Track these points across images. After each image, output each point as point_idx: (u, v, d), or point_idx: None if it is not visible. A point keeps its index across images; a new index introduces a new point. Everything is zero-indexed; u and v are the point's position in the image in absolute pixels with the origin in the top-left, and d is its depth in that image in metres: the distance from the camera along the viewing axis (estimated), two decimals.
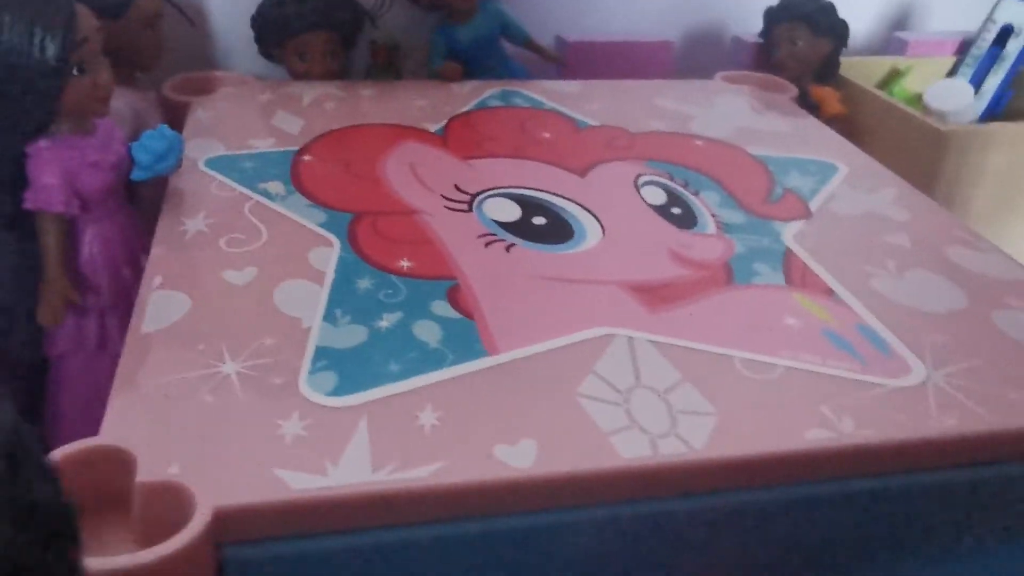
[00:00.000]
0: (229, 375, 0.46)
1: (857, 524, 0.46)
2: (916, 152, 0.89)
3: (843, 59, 1.03)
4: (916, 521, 0.47)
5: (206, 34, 0.92)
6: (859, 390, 0.48)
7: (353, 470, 0.40)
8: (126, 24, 0.72)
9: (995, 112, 1.05)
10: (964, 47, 1.09)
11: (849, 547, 0.46)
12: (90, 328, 0.61)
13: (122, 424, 0.42)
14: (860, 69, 1.06)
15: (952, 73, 1.09)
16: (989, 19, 1.07)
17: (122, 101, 0.72)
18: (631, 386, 0.47)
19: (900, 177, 0.73)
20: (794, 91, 0.92)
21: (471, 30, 0.89)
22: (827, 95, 0.97)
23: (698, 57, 1.09)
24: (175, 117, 0.77)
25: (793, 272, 0.59)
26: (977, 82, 1.06)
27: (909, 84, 1.07)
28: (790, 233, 0.64)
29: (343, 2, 0.84)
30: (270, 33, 0.84)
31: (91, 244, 0.60)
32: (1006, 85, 1.04)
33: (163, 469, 0.40)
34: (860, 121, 0.98)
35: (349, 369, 0.47)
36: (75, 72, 0.54)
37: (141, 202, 0.68)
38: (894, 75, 1.08)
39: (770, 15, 1.00)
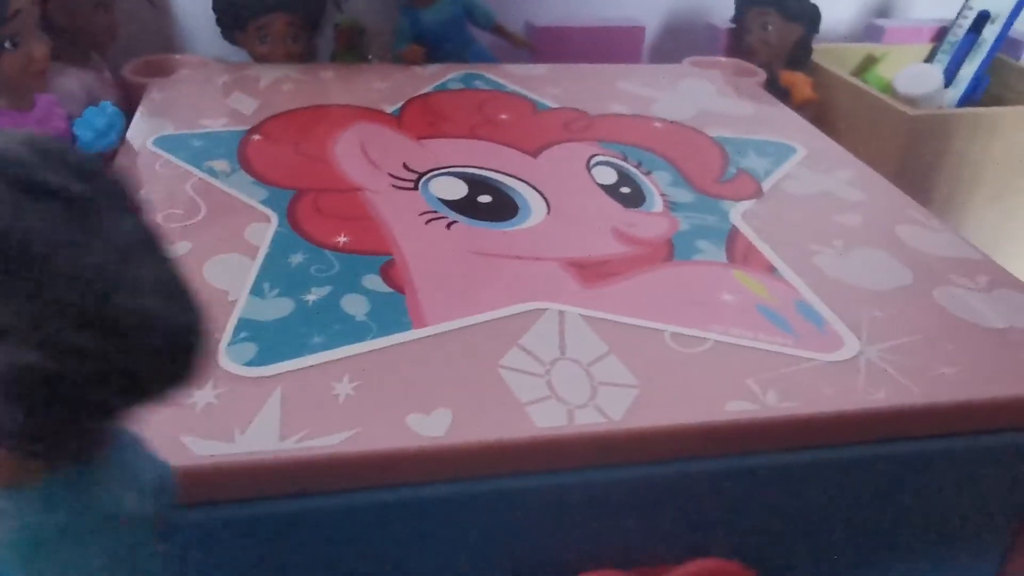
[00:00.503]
0: None
1: (782, 497, 0.45)
2: (885, 137, 0.88)
3: (819, 46, 1.03)
4: (844, 494, 0.46)
5: (170, 17, 0.91)
6: (788, 364, 0.47)
7: (261, 438, 0.40)
8: (77, 2, 0.71)
9: (972, 98, 1.04)
10: (941, 34, 1.09)
11: (773, 521, 0.46)
12: None
13: None
14: (836, 56, 1.05)
15: (929, 60, 1.08)
16: (966, 6, 1.06)
17: (75, 80, 0.72)
18: (555, 358, 0.46)
19: (860, 160, 0.73)
20: (763, 76, 0.91)
21: (435, 13, 0.89)
22: (798, 80, 0.96)
23: (671, 43, 1.08)
24: (135, 99, 0.77)
25: (736, 250, 0.58)
26: (954, 68, 1.05)
27: (885, 71, 1.06)
28: (738, 212, 0.63)
29: None
30: (231, 15, 0.83)
31: None
32: (983, 71, 1.03)
33: None
34: (831, 107, 0.97)
35: (270, 340, 0.46)
36: (7, 46, 0.54)
37: None
38: (870, 62, 1.08)
39: (741, 0, 1.00)
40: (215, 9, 0.84)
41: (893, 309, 0.52)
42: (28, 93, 0.58)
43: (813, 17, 0.98)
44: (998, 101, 1.04)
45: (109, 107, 0.60)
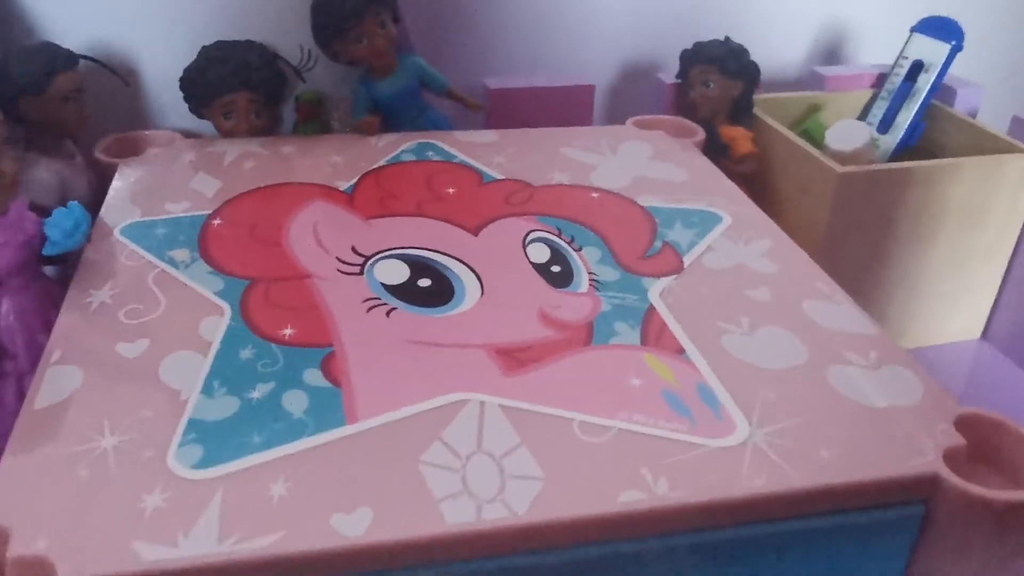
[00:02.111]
0: (107, 449, 0.51)
1: None
2: (817, 192, 0.93)
3: (764, 96, 1.08)
4: (727, 573, 0.51)
5: (142, 92, 0.97)
6: (682, 451, 0.52)
7: (201, 541, 0.45)
8: (46, 99, 0.77)
9: (909, 144, 1.09)
10: (881, 80, 1.14)
11: None
12: (8, 392, 0.66)
13: (2, 499, 0.47)
14: (780, 105, 1.11)
15: (868, 107, 1.13)
16: (901, 55, 1.11)
17: (47, 171, 0.77)
18: (471, 451, 0.52)
19: (779, 227, 0.78)
20: (702, 134, 0.97)
21: (390, 84, 0.94)
22: (738, 135, 1.01)
23: (622, 99, 1.14)
24: (108, 178, 0.82)
25: (650, 331, 0.63)
26: (892, 115, 1.10)
27: (827, 119, 1.12)
28: (657, 290, 0.68)
29: (264, 63, 0.89)
30: (195, 95, 0.89)
31: (7, 315, 0.66)
32: (919, 118, 1.08)
33: (33, 543, 0.45)
34: (770, 160, 1.02)
35: (215, 441, 0.52)
36: None
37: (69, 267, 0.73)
38: (813, 110, 1.13)
39: (685, 58, 1.05)
40: (182, 89, 0.90)
41: (786, 390, 0.58)
42: (1, 202, 0.63)
43: (753, 74, 1.03)
44: (934, 146, 1.09)
45: (76, 208, 0.66)
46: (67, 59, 0.79)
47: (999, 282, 1.03)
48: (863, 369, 0.60)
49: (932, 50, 1.09)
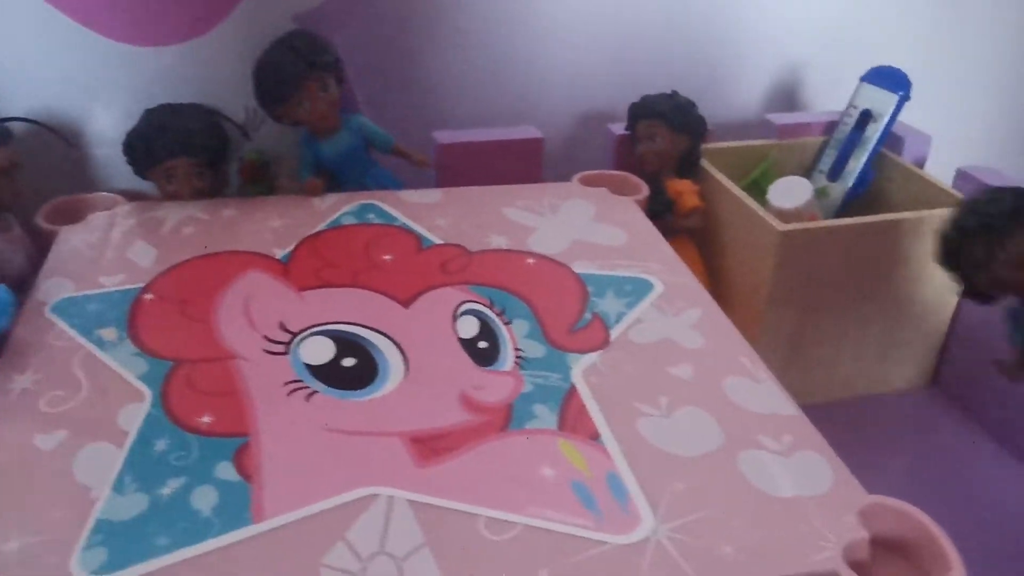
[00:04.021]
0: (9, 554, 0.51)
1: None
2: (760, 248, 0.94)
3: (713, 145, 1.09)
4: None
5: (88, 153, 0.97)
6: (585, 549, 0.53)
7: None
8: None
9: (858, 193, 1.10)
10: (831, 128, 1.15)
11: None
12: None
13: None
14: (731, 155, 1.12)
15: (819, 155, 1.14)
16: (851, 104, 1.12)
17: None
18: (373, 553, 0.52)
19: (710, 296, 0.79)
20: (646, 191, 0.97)
21: (334, 145, 0.95)
22: (684, 189, 1.02)
23: (572, 151, 1.15)
24: (48, 247, 0.83)
25: (568, 414, 0.64)
26: (841, 164, 1.11)
27: (777, 166, 1.12)
28: (581, 367, 0.69)
29: (205, 127, 0.89)
30: (136, 161, 0.89)
31: None
32: (867, 168, 1.09)
33: None
34: (716, 215, 1.03)
35: (121, 544, 0.52)
36: None
37: None
38: (763, 159, 1.14)
39: (632, 112, 1.06)
40: (125, 152, 0.90)
41: (696, 479, 0.58)
42: None
43: (699, 129, 1.04)
44: (883, 195, 1.10)
45: (1, 290, 0.66)
46: None
47: (944, 332, 1.04)
48: (775, 455, 0.61)
49: (881, 99, 1.09)
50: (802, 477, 0.59)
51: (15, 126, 0.85)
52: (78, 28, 0.89)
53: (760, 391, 0.67)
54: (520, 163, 1.05)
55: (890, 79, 1.10)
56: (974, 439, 0.98)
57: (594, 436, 0.62)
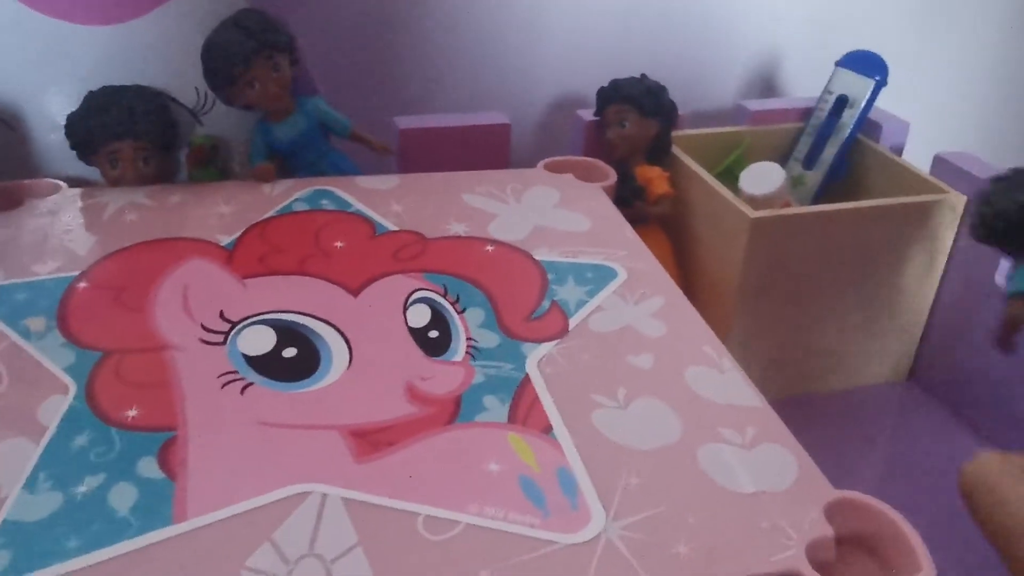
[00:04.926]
0: None
1: None
2: (731, 235, 0.91)
3: (685, 132, 1.05)
4: None
5: (30, 137, 0.93)
6: (530, 549, 0.49)
7: None
8: None
9: (835, 180, 1.07)
10: (807, 115, 1.12)
11: None
12: None
13: None
14: (703, 142, 1.08)
15: (795, 142, 1.11)
16: (826, 89, 1.09)
17: None
18: (301, 555, 0.48)
19: (674, 283, 0.75)
20: (613, 177, 0.94)
21: (288, 128, 0.91)
22: (654, 176, 0.99)
23: (540, 136, 1.11)
24: None
25: (520, 406, 0.60)
26: (817, 151, 1.08)
27: (750, 153, 1.09)
28: (536, 357, 0.65)
29: (150, 109, 0.85)
30: (79, 144, 0.85)
31: None
32: (843, 155, 1.06)
33: None
34: (687, 201, 1.00)
35: (28, 546, 0.48)
36: None
37: None
38: (735, 145, 1.10)
39: (601, 96, 1.02)
40: (67, 135, 0.86)
41: (651, 474, 0.55)
42: None
43: (670, 114, 1.01)
44: (860, 183, 1.07)
45: None
46: None
47: (923, 323, 1.01)
48: (737, 448, 0.57)
49: (857, 85, 1.07)
50: (765, 471, 0.55)
51: None
52: (17, 5, 0.84)
53: (724, 381, 0.63)
54: (486, 150, 1.01)
55: (866, 64, 1.07)
56: (952, 434, 0.95)
57: (546, 429, 0.58)
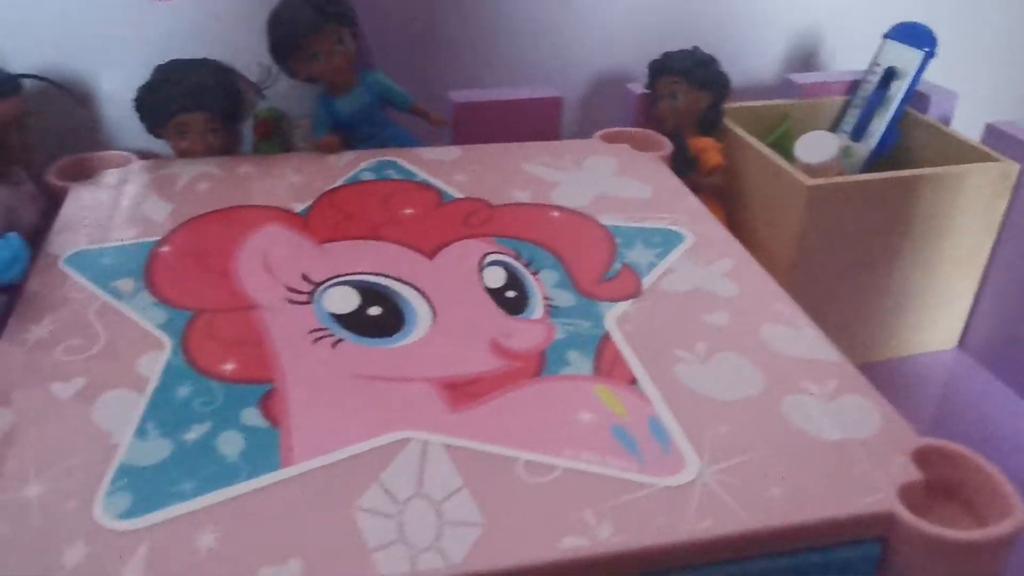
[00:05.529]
0: (30, 499, 0.49)
1: None
2: (787, 205, 0.92)
3: (733, 105, 1.06)
4: None
5: (99, 112, 0.95)
6: (628, 492, 0.51)
7: None
8: None
9: (883, 153, 1.08)
10: (854, 88, 1.12)
11: None
12: None
13: None
14: (752, 115, 1.09)
15: (841, 114, 1.12)
16: (874, 62, 1.09)
17: None
18: (410, 496, 0.50)
19: (742, 246, 0.76)
20: (669, 147, 0.95)
21: (350, 101, 0.92)
22: (707, 146, 1.00)
23: (591, 110, 1.12)
24: (60, 203, 0.81)
25: (603, 360, 0.62)
26: (865, 123, 1.09)
27: (798, 127, 1.10)
28: (614, 315, 0.66)
29: (219, 82, 0.87)
30: (148, 116, 0.87)
31: None
32: (893, 126, 1.07)
33: None
34: (740, 172, 1.01)
35: (145, 489, 0.50)
36: None
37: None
38: (781, 120, 1.11)
39: (653, 68, 1.03)
40: (136, 109, 0.88)
41: (739, 423, 0.56)
42: None
43: (721, 85, 1.01)
44: (907, 154, 1.08)
45: (13, 240, 0.64)
46: (6, 86, 0.77)
47: (974, 291, 1.01)
48: (819, 399, 0.58)
49: (905, 57, 1.07)
50: (849, 421, 0.56)
51: (26, 83, 0.82)
52: None
53: (800, 338, 0.64)
54: (538, 123, 1.02)
55: (914, 35, 1.07)
56: (1003, 401, 0.96)
57: (631, 381, 0.59)
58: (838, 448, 0.54)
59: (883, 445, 0.54)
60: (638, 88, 1.06)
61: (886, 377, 0.99)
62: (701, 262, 0.73)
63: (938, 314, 1.00)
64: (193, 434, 0.54)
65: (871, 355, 0.99)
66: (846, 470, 0.53)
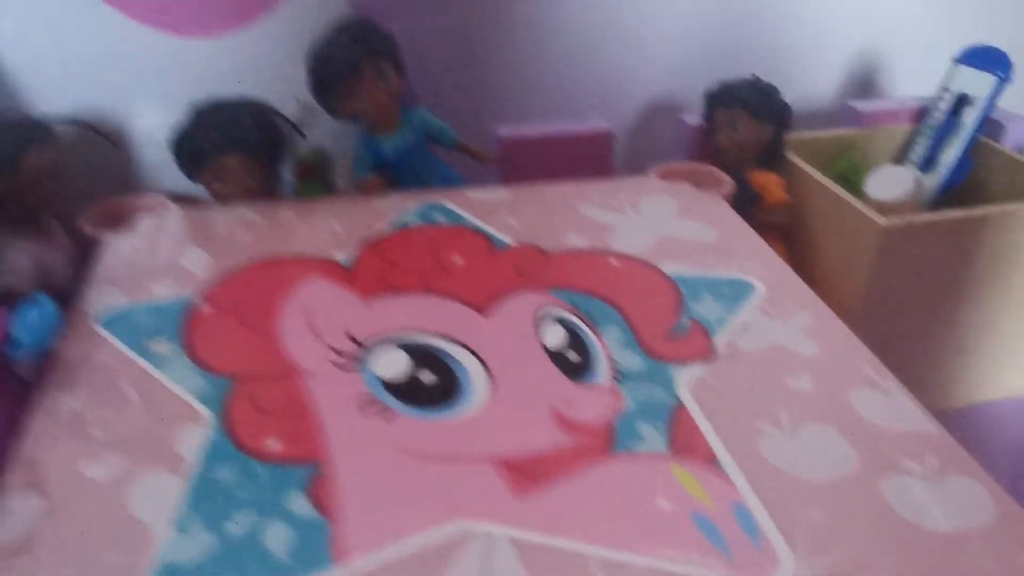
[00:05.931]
0: None
1: None
2: (859, 243, 0.86)
3: (794, 134, 1.01)
4: None
5: (133, 153, 0.91)
6: None
7: None
8: (16, 178, 0.71)
9: (955, 184, 1.02)
10: (921, 114, 1.06)
11: None
12: None
13: None
14: (812, 145, 1.04)
15: (909, 143, 1.06)
16: (944, 88, 1.04)
17: (23, 255, 0.72)
18: None
19: (817, 296, 0.71)
20: (730, 185, 0.89)
21: (395, 140, 0.88)
22: (769, 182, 0.94)
23: (642, 142, 1.07)
24: (91, 251, 0.77)
25: (679, 434, 0.56)
26: (934, 153, 1.03)
27: (862, 158, 1.04)
28: (685, 380, 0.61)
29: (257, 124, 0.83)
30: (185, 158, 0.83)
31: None
32: (964, 157, 1.01)
33: None
34: (805, 208, 0.95)
35: None
36: None
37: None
38: (847, 148, 1.06)
39: (710, 99, 0.98)
40: (171, 151, 0.84)
41: (834, 510, 0.51)
42: None
43: (784, 116, 0.96)
44: (982, 187, 1.02)
45: (47, 306, 0.60)
46: (40, 134, 0.73)
47: None
48: (923, 480, 0.53)
49: (977, 82, 1.01)
50: (959, 506, 0.51)
51: (58, 127, 0.79)
52: (121, 18, 0.83)
53: (891, 405, 0.59)
54: (589, 158, 0.98)
55: (988, 59, 1.01)
56: None
57: (710, 459, 0.54)
58: (950, 540, 0.49)
59: (1000, 536, 0.49)
60: (692, 118, 1.00)
61: (965, 427, 0.93)
62: (776, 316, 0.68)
63: (1019, 356, 0.94)
64: (237, 525, 0.49)
65: (951, 401, 0.93)
66: (960, 567, 0.47)
